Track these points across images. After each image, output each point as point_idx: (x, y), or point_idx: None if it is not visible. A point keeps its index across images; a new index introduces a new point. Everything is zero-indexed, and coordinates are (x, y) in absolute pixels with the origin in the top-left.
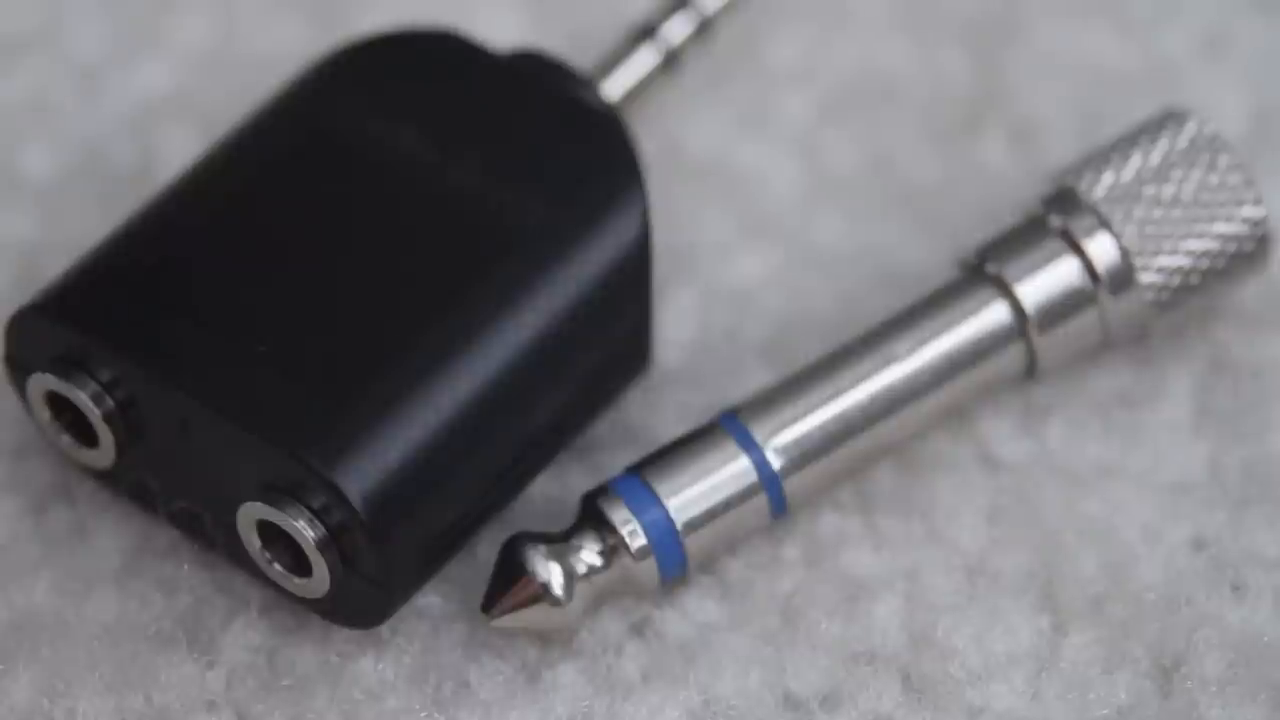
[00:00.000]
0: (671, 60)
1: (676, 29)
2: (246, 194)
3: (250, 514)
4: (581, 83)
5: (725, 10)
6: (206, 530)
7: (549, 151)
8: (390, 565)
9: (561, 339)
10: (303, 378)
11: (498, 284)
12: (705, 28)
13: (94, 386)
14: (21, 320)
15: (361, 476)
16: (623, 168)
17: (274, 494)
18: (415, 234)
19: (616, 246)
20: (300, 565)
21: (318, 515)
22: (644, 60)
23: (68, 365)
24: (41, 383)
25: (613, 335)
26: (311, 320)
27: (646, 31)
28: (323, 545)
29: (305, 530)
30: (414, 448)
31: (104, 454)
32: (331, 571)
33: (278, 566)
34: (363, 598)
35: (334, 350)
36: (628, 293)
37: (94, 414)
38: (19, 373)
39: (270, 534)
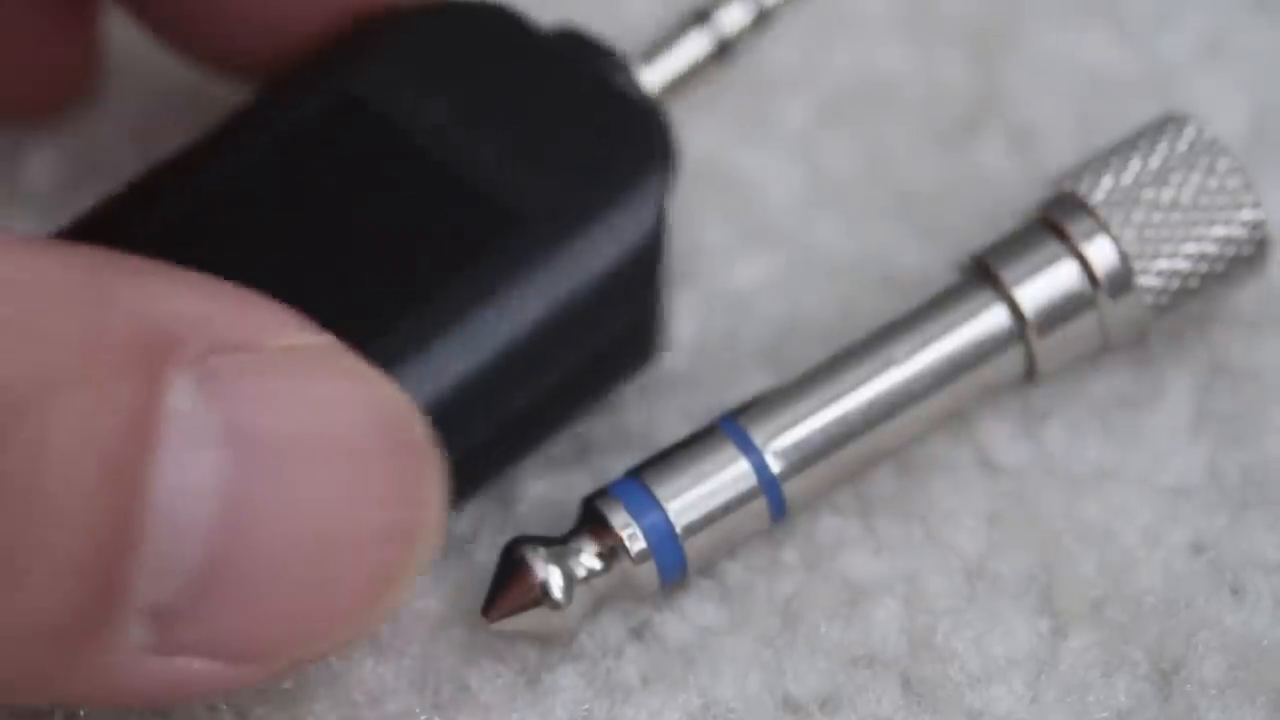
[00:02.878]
0: (725, 50)
1: (732, 17)
2: (267, 153)
3: None
4: (619, 67)
5: (788, 2)
6: None
7: (574, 135)
8: None
9: (559, 322)
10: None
11: (499, 261)
12: (763, 18)
13: None
14: None
15: None
16: (644, 158)
17: None
18: (428, 204)
19: (625, 237)
20: None
21: None
22: (694, 47)
23: None
24: None
25: (614, 324)
26: (313, 279)
27: (700, 17)
28: None
29: None
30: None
31: None
32: None
33: None
34: None
35: (332, 312)
36: (634, 283)
37: None
38: None
39: None
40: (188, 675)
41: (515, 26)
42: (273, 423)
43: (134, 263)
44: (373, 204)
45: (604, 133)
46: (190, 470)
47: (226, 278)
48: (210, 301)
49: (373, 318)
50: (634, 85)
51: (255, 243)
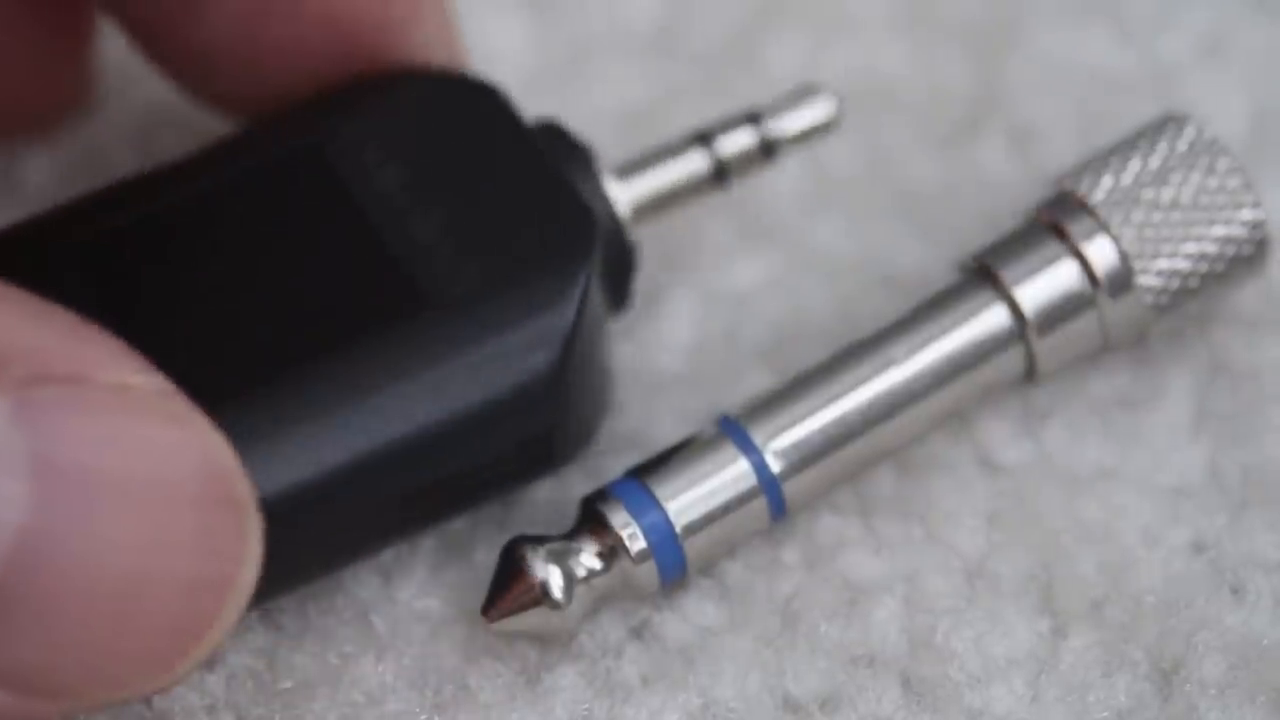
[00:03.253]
0: (722, 176)
1: (733, 144)
2: (214, 190)
3: None
4: (589, 171)
5: (796, 140)
6: None
7: (512, 231)
8: None
9: (446, 422)
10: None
11: (401, 345)
12: (767, 150)
13: None
14: None
15: None
16: (568, 273)
17: None
18: (347, 271)
19: (527, 353)
20: None
21: None
22: (686, 167)
23: None
24: None
25: (498, 434)
26: (209, 330)
27: (701, 138)
28: None
29: None
30: (261, 486)
31: None
32: None
33: None
34: None
35: (217, 368)
36: (528, 399)
37: None
38: None
39: None
40: None
41: (499, 109)
42: (86, 459)
43: None
44: (293, 259)
45: (543, 235)
46: None
47: (118, 310)
48: (45, 330)
49: (260, 376)
50: (599, 192)
51: (163, 278)
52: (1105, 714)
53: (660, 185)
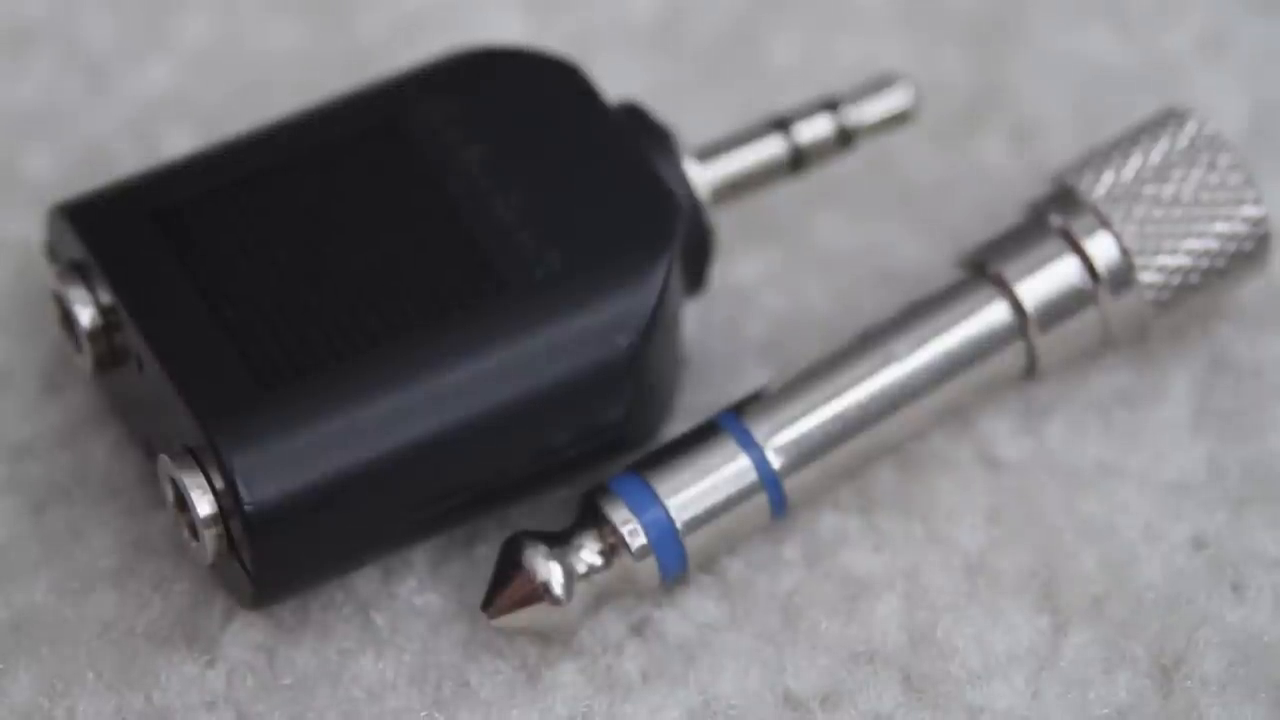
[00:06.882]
0: (799, 163)
1: (812, 129)
2: (297, 161)
3: (165, 466)
4: (670, 153)
5: (873, 129)
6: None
7: (594, 213)
8: (265, 566)
9: (521, 406)
10: (254, 357)
11: (479, 326)
12: (844, 138)
13: (85, 297)
14: (52, 216)
15: (264, 475)
16: (651, 257)
17: (185, 456)
18: (428, 251)
19: (607, 335)
20: (194, 530)
21: (215, 493)
22: (764, 151)
23: (72, 271)
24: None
25: (579, 420)
26: (290, 303)
27: (779, 124)
28: (209, 522)
29: (198, 502)
30: (334, 467)
31: (84, 362)
32: (216, 548)
33: (182, 521)
34: (240, 581)
35: (298, 341)
36: (606, 384)
37: (80, 326)
38: (53, 261)
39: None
40: None
41: (582, 89)
42: None
43: None
44: (371, 237)
45: (625, 217)
46: None
47: (215, 271)
48: None
49: (338, 354)
50: (679, 175)
51: (254, 247)
52: (1106, 710)
53: (739, 169)
